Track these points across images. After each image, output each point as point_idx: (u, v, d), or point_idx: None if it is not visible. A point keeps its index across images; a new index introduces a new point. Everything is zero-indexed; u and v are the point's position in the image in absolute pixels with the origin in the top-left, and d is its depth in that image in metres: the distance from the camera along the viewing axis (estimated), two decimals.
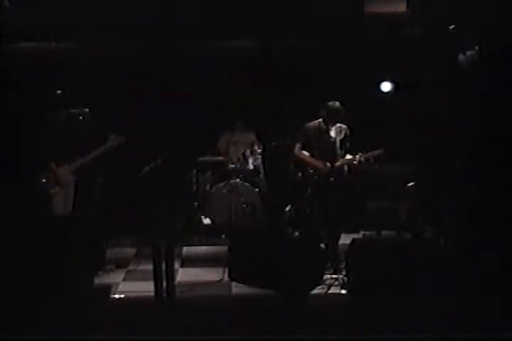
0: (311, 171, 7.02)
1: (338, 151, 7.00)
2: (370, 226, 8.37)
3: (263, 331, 4.83)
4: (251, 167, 8.89)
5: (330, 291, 6.34)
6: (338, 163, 6.97)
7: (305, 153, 7.09)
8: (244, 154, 8.91)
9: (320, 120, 7.06)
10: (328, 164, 6.94)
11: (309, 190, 7.05)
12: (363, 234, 8.21)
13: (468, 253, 6.12)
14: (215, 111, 9.13)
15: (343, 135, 7.05)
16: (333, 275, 6.64)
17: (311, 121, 7.13)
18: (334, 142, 6.98)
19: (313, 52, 8.75)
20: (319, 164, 6.99)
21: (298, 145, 7.11)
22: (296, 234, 7.79)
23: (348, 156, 7.04)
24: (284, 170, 8.18)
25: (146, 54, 8.55)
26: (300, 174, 7.17)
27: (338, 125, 7.02)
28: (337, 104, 6.93)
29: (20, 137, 7.38)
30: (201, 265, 7.48)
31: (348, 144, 7.07)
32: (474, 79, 7.45)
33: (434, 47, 8.09)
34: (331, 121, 6.96)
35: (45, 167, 6.99)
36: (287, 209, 8.37)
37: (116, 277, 6.99)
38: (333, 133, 7.00)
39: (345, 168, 7.09)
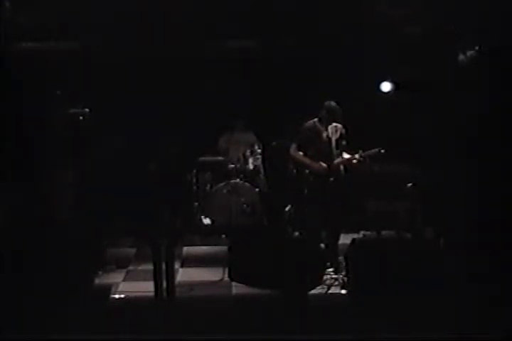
0: (307, 171, 7.01)
1: (334, 151, 6.99)
2: (370, 226, 8.37)
3: (263, 331, 4.83)
4: (251, 167, 8.89)
5: (330, 291, 6.34)
6: (334, 163, 6.96)
7: (301, 153, 7.08)
8: (244, 154, 8.91)
9: (315, 120, 7.05)
10: (324, 164, 6.94)
11: (306, 191, 7.05)
12: (363, 234, 8.21)
13: (468, 253, 6.12)
14: (215, 111, 9.13)
15: (338, 134, 7.04)
16: (333, 275, 6.64)
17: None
18: (330, 142, 6.98)
19: (313, 52, 8.76)
20: (315, 164, 6.98)
21: (294, 146, 7.11)
22: (296, 234, 7.79)
23: (345, 156, 7.03)
24: (284, 170, 8.18)
25: (146, 54, 8.55)
26: (297, 174, 7.17)
27: (334, 124, 7.01)
28: (334, 103, 6.93)
29: (21, 137, 7.38)
30: (201, 265, 7.48)
31: (344, 143, 7.07)
32: (474, 79, 7.45)
33: (434, 47, 8.10)
34: (328, 120, 6.96)
35: (44, 167, 6.99)
36: (287, 209, 8.37)
37: (116, 277, 6.99)
38: (329, 133, 6.99)
39: (342, 167, 7.08)
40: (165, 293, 5.81)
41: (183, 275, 7.09)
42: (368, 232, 8.30)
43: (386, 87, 8.95)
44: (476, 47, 7.67)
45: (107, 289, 6.35)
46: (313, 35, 8.30)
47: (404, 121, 8.80)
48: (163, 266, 5.84)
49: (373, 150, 6.98)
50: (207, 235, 8.59)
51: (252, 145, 8.99)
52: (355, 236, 7.49)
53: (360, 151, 6.97)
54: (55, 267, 5.63)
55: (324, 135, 6.99)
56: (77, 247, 5.95)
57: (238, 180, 8.74)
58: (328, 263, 6.76)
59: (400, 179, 8.39)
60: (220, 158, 9.11)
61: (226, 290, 6.50)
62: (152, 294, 5.86)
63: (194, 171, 8.95)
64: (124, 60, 8.60)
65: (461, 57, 7.94)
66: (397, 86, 8.88)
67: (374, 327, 4.81)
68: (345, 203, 7.13)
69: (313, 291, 6.00)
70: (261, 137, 9.14)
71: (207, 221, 8.72)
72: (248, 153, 8.91)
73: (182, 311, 5.58)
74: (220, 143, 9.22)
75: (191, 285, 6.61)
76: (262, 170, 9.05)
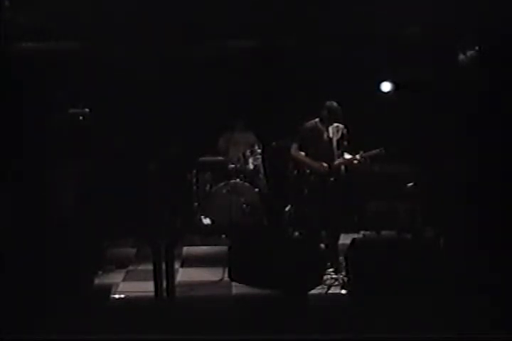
0: (308, 171, 7.02)
1: (336, 151, 6.99)
2: (370, 226, 8.37)
3: (263, 331, 4.83)
4: (251, 167, 8.89)
5: (330, 291, 6.34)
6: (335, 163, 6.96)
7: (302, 153, 7.08)
8: (244, 154, 8.91)
9: (317, 120, 7.05)
10: (325, 164, 6.94)
11: (306, 191, 7.05)
12: (363, 234, 8.21)
13: (468, 253, 6.12)
14: (215, 111, 9.13)
15: (340, 134, 7.04)
16: (333, 275, 6.64)
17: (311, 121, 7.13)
18: (331, 142, 6.98)
19: (314, 52, 8.76)
20: (316, 164, 6.98)
21: (295, 146, 7.10)
22: (296, 234, 7.79)
23: (346, 156, 7.03)
24: (284, 170, 8.18)
25: (146, 54, 8.56)
26: (297, 174, 7.17)
27: (335, 124, 7.01)
28: (335, 103, 6.93)
29: (21, 137, 7.38)
30: (201, 265, 7.48)
31: (345, 143, 7.06)
32: (474, 79, 7.45)
33: (434, 47, 8.10)
34: (329, 120, 6.96)
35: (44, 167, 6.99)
36: (287, 209, 8.37)
37: (116, 277, 6.99)
38: (330, 133, 7.00)
39: (342, 167, 7.08)
40: (165, 293, 5.81)
41: (183, 275, 7.09)
42: (368, 232, 8.30)
43: (386, 87, 8.95)
44: (476, 47, 7.67)
45: (107, 289, 6.35)
46: (313, 35, 8.30)
47: (404, 121, 8.81)
48: (163, 266, 5.84)
49: (374, 151, 6.98)
50: (207, 235, 8.59)
51: (252, 145, 8.99)
52: (355, 236, 7.49)
53: (361, 152, 6.97)
54: (55, 267, 5.63)
55: (325, 135, 6.99)
56: (78, 247, 5.95)
57: (238, 180, 8.74)
58: (328, 263, 6.76)
59: (400, 179, 8.40)
60: (220, 158, 9.11)
61: (226, 290, 6.49)
62: (152, 294, 5.86)
63: (194, 171, 8.95)
64: (124, 60, 8.60)
65: (461, 57, 7.94)
66: (397, 86, 8.88)
67: (374, 327, 4.82)
68: (345, 203, 7.13)
69: (313, 291, 6.01)
70: (261, 137, 9.14)
71: (207, 221, 8.73)
72: (248, 153, 8.91)
73: (182, 311, 5.59)
74: (220, 143, 9.22)
75: (191, 285, 6.60)
76: (262, 170, 9.06)
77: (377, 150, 6.97)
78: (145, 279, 6.49)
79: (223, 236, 8.48)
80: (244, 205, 8.61)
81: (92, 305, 5.50)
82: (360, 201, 8.60)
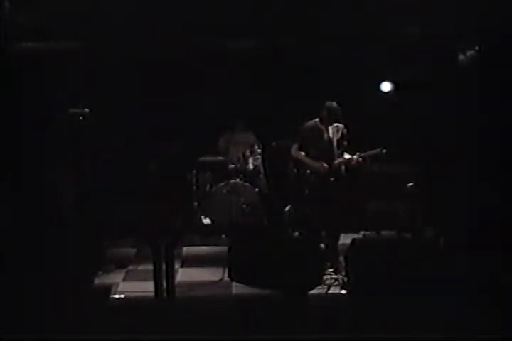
0: (308, 171, 7.02)
1: (336, 151, 6.99)
2: (370, 226, 8.37)
3: (263, 331, 4.83)
4: (251, 167, 8.89)
5: (330, 291, 6.34)
6: (335, 163, 6.96)
7: (302, 153, 7.08)
8: (244, 154, 8.91)
9: (316, 120, 7.05)
10: (325, 164, 6.94)
11: (306, 191, 7.05)
12: (363, 234, 8.21)
13: (468, 253, 6.12)
14: (215, 111, 9.13)
15: (340, 134, 7.04)
16: (333, 275, 6.64)
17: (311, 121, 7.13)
18: (331, 142, 6.98)
19: (314, 52, 8.76)
20: (316, 164, 6.98)
21: (295, 146, 7.10)
22: (296, 234, 7.79)
23: (346, 156, 7.03)
24: (284, 170, 8.18)
25: (145, 54, 8.56)
26: (297, 174, 7.17)
27: (335, 124, 7.01)
28: (335, 104, 6.93)
29: (21, 137, 7.38)
30: (201, 265, 7.48)
31: (345, 143, 7.06)
32: (474, 79, 7.45)
33: (434, 47, 8.10)
34: (329, 120, 6.96)
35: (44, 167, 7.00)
36: (287, 209, 8.37)
37: (116, 277, 6.99)
38: (330, 133, 7.00)
39: (342, 167, 7.08)
40: (165, 293, 5.81)
41: (183, 275, 7.10)
42: (368, 232, 8.30)
43: (386, 87, 8.95)
44: (476, 47, 7.68)
45: (107, 289, 6.35)
46: (313, 35, 8.30)
47: (404, 121, 8.81)
48: (163, 266, 5.85)
49: (374, 151, 6.98)
50: (207, 235, 8.59)
51: (252, 145, 8.98)
52: (355, 236, 7.48)
53: (358, 153, 6.97)
54: (55, 267, 5.63)
55: (325, 135, 6.99)
56: (78, 247, 5.95)
57: (238, 180, 8.74)
58: (328, 263, 6.76)
59: (400, 179, 8.39)
60: (220, 158, 9.10)
61: (226, 290, 6.49)
62: (152, 294, 5.86)
63: (194, 171, 8.95)
64: (124, 60, 8.60)
65: (461, 57, 7.94)
66: (397, 86, 8.88)
67: (374, 327, 4.82)
68: (345, 203, 7.13)
69: (313, 291, 6.01)
70: (261, 137, 9.14)
71: (207, 221, 8.72)
72: (248, 153, 8.91)
73: (182, 311, 5.59)
74: (220, 143, 9.22)
75: (191, 285, 6.61)
76: (262, 170, 9.05)
77: (377, 150, 6.97)
78: (145, 279, 6.49)
79: (223, 236, 8.48)
80: (244, 205, 8.61)
81: (92, 305, 5.50)
82: (360, 201, 8.59)
